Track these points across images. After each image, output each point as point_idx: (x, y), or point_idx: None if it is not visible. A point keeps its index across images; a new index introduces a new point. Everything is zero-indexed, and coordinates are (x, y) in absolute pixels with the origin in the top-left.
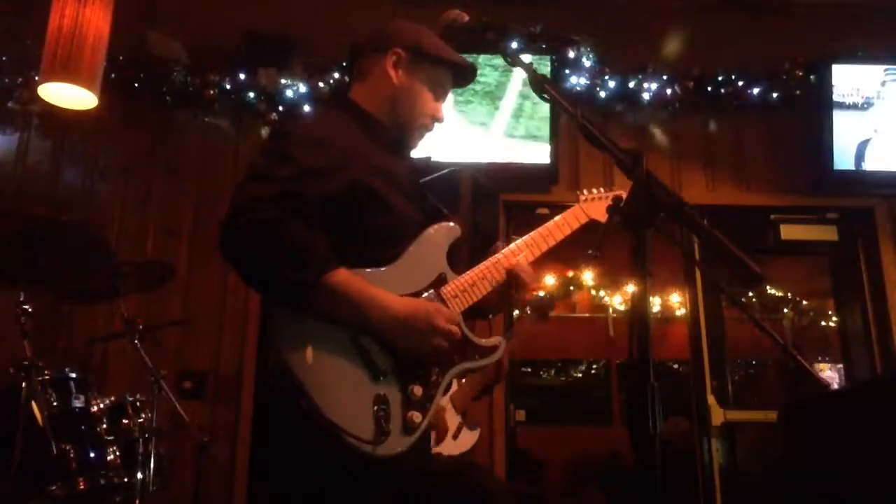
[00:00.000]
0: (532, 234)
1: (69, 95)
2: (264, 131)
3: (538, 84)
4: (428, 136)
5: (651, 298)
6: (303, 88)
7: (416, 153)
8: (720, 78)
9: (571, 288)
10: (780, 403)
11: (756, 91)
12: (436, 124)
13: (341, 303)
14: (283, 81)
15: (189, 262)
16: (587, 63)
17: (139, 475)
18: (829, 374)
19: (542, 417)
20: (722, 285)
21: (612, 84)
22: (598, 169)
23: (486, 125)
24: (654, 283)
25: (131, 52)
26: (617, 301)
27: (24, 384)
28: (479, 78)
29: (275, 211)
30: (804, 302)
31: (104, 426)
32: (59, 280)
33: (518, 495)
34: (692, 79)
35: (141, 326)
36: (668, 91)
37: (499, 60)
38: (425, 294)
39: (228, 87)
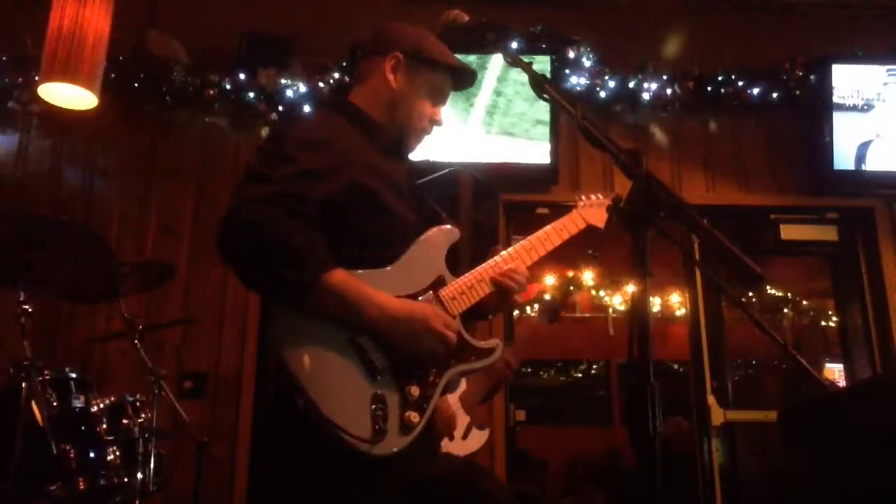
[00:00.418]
0: (530, 238)
1: (69, 95)
2: (264, 131)
3: (538, 84)
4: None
5: (651, 298)
6: (303, 88)
7: (414, 156)
8: (720, 78)
9: (571, 288)
10: (780, 403)
11: (756, 91)
12: (435, 128)
13: (339, 303)
14: (283, 81)
15: (189, 262)
16: (587, 63)
17: (139, 475)
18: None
19: (542, 417)
20: (722, 285)
21: (612, 84)
22: (598, 169)
23: (463, 122)
24: (654, 283)
25: (131, 52)
26: (617, 301)
27: (24, 384)
28: None
29: (272, 211)
30: (804, 302)
31: (104, 426)
32: (59, 280)
33: (518, 495)
34: (692, 79)
35: (141, 326)
36: (668, 91)
37: (472, 56)
38: (423, 296)
39: (228, 87)
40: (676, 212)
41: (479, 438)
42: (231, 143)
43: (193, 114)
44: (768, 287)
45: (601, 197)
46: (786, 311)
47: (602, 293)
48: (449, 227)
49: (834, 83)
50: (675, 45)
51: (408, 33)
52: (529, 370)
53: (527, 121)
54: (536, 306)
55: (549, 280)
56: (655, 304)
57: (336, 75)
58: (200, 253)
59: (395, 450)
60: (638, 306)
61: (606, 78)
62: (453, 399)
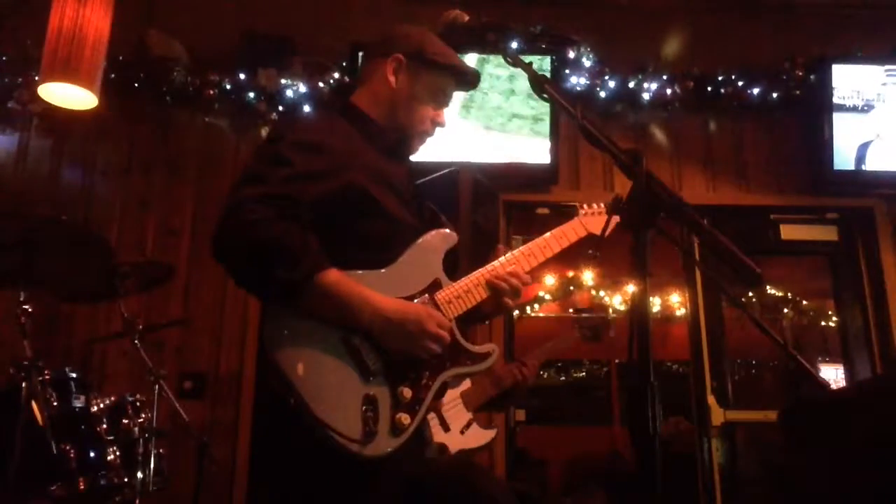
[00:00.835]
0: (530, 244)
1: (69, 95)
2: (264, 131)
3: (538, 84)
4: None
5: (651, 298)
6: (303, 88)
7: (414, 156)
8: (720, 78)
9: (571, 288)
10: (780, 403)
11: (756, 91)
12: (437, 129)
13: (332, 302)
14: (283, 81)
15: (189, 262)
16: (587, 63)
17: (139, 475)
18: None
19: (542, 417)
20: (722, 285)
21: (612, 84)
22: (598, 169)
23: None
24: (654, 283)
25: (131, 52)
26: (617, 301)
27: (24, 384)
28: None
29: (268, 212)
30: (804, 302)
31: (104, 426)
32: (59, 280)
33: (518, 495)
34: (692, 79)
35: (141, 326)
36: (668, 91)
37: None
38: (419, 298)
39: (228, 87)
40: (676, 212)
41: (478, 436)
42: (231, 143)
43: (193, 114)
44: (768, 287)
45: (602, 206)
46: (786, 311)
47: (602, 293)
48: (447, 230)
49: (834, 83)
50: (675, 44)
51: (410, 35)
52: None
53: (502, 115)
54: (537, 306)
55: (549, 280)
56: (655, 304)
57: (336, 75)
58: (200, 253)
59: (386, 451)
60: (638, 306)
61: (606, 78)
62: (454, 393)
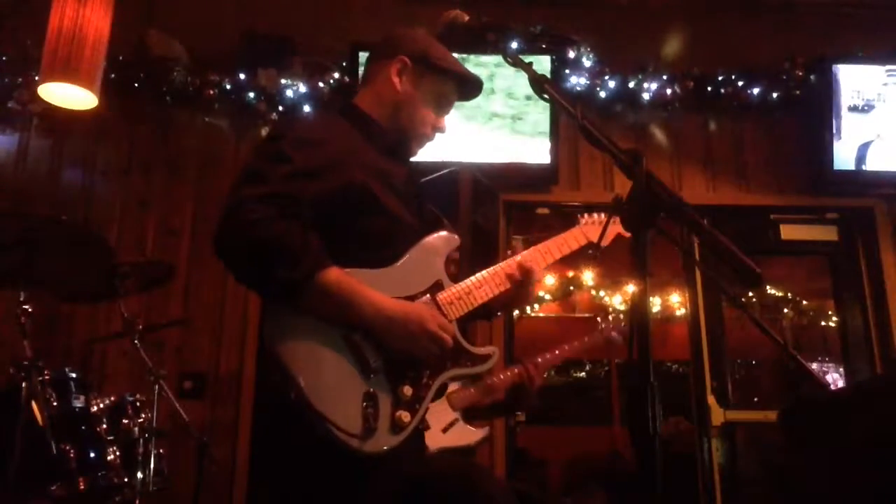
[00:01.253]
0: (531, 249)
1: (69, 95)
2: (264, 131)
3: (538, 84)
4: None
5: (651, 298)
6: (303, 88)
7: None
8: (720, 78)
9: (571, 288)
10: (780, 403)
11: (756, 91)
12: (437, 134)
13: (334, 301)
14: (283, 81)
15: (189, 262)
16: (587, 63)
17: (139, 475)
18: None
19: (542, 417)
20: (722, 285)
21: (612, 84)
22: (598, 169)
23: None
24: (654, 283)
25: (131, 52)
26: (617, 301)
27: (24, 384)
28: None
29: (268, 210)
30: (804, 302)
31: (104, 426)
32: (59, 280)
33: (518, 495)
34: (692, 79)
35: (141, 326)
36: (668, 91)
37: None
38: (421, 299)
39: (228, 87)
40: (676, 212)
41: (464, 435)
42: (231, 143)
43: (193, 114)
44: (768, 287)
45: (602, 216)
46: (786, 311)
47: (602, 293)
48: (450, 234)
49: (834, 83)
50: (675, 44)
51: (416, 39)
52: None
53: (482, 114)
54: (537, 307)
55: (550, 280)
56: (655, 304)
57: (336, 75)
58: (200, 253)
59: (385, 448)
60: (638, 306)
61: (606, 78)
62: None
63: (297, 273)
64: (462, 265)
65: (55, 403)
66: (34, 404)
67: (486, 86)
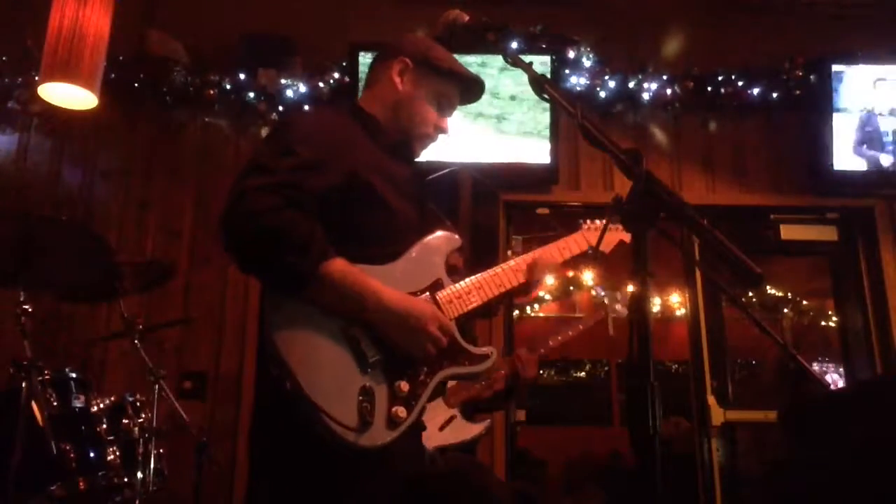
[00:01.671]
0: (533, 253)
1: (69, 95)
2: (264, 131)
3: (538, 84)
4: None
5: (651, 298)
6: (303, 88)
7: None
8: (720, 78)
9: (571, 288)
10: (780, 403)
11: (756, 91)
12: (440, 136)
13: (338, 291)
14: (283, 81)
15: (189, 262)
16: (587, 63)
17: (139, 475)
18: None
19: (542, 417)
20: (722, 285)
21: (612, 84)
22: (598, 169)
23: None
24: (654, 283)
25: (131, 52)
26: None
27: (24, 384)
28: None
29: (274, 200)
30: (804, 302)
31: (104, 426)
32: (59, 280)
33: (518, 495)
34: (692, 79)
35: (141, 326)
36: (668, 91)
37: (472, 57)
38: (421, 296)
39: (228, 87)
40: (676, 212)
41: (462, 431)
42: (231, 143)
43: (193, 114)
44: (768, 287)
45: (601, 222)
46: (786, 311)
47: (602, 293)
48: (452, 234)
49: (833, 83)
50: (675, 44)
51: (418, 41)
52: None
53: (467, 114)
54: (537, 306)
55: (549, 280)
56: (655, 304)
57: (336, 75)
58: (200, 253)
59: (380, 443)
60: (638, 306)
61: (606, 78)
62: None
63: (305, 261)
64: (463, 268)
65: (55, 403)
66: (34, 404)
67: None
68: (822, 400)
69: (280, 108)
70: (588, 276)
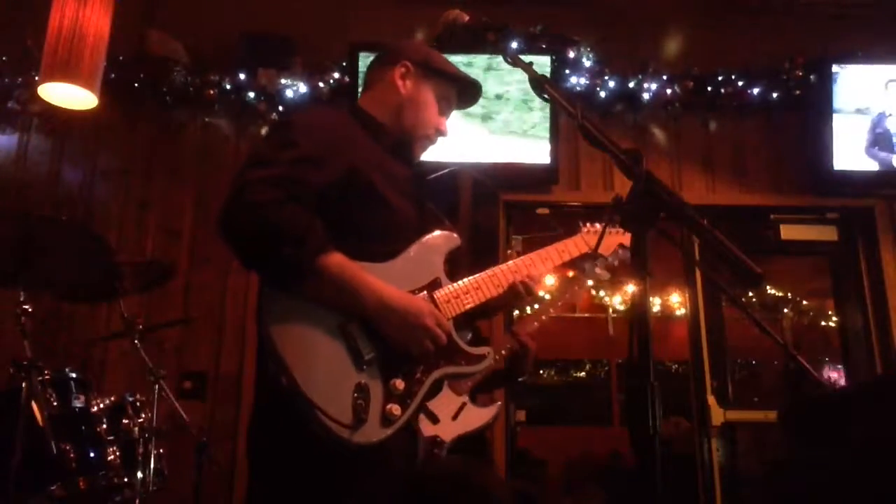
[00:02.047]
0: (532, 254)
1: (69, 95)
2: (264, 131)
3: (538, 84)
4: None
5: (651, 298)
6: (303, 88)
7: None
8: (720, 78)
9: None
10: (780, 403)
11: (756, 91)
12: (440, 138)
13: (336, 285)
14: (283, 81)
15: (189, 262)
16: (587, 63)
17: (139, 475)
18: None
19: (542, 417)
20: (722, 285)
21: (612, 84)
22: (598, 169)
23: None
24: (654, 283)
25: (131, 52)
26: (617, 301)
27: (24, 384)
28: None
29: (274, 193)
30: (804, 302)
31: (104, 426)
32: (59, 280)
33: (518, 494)
34: (692, 79)
35: (141, 326)
36: (668, 91)
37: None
38: (419, 295)
39: (228, 87)
40: (676, 212)
41: (476, 417)
42: (231, 143)
43: (193, 114)
44: (768, 287)
45: (600, 226)
46: (786, 311)
47: (602, 293)
48: (451, 233)
49: (833, 83)
50: (675, 44)
51: (416, 46)
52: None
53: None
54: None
55: (550, 280)
56: (655, 304)
57: (336, 75)
58: (200, 253)
59: (374, 440)
60: (638, 306)
61: (606, 78)
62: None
63: (303, 253)
64: (462, 265)
65: (55, 403)
66: (34, 404)
67: None
68: (822, 400)
69: (280, 108)
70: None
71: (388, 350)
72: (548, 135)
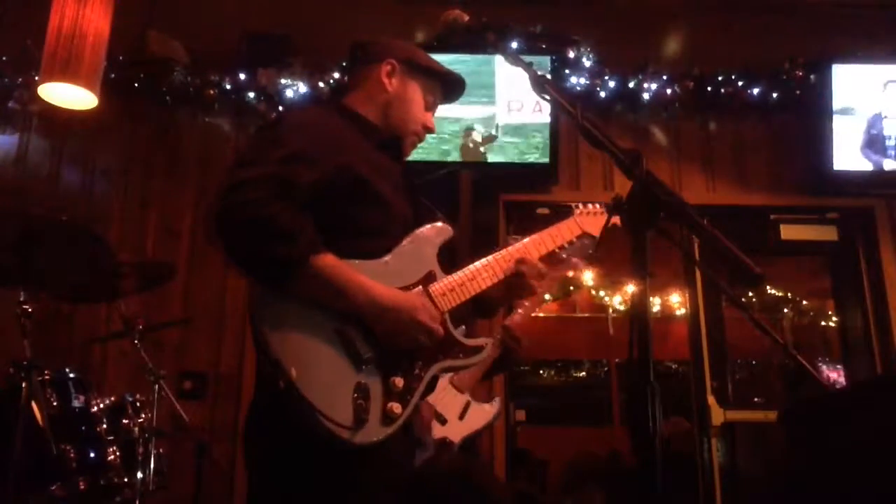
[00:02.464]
0: (524, 241)
1: (69, 95)
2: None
3: (538, 84)
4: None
5: (651, 298)
6: (303, 88)
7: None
8: (720, 78)
9: (571, 288)
10: (780, 403)
11: (756, 91)
12: (427, 134)
13: (326, 286)
14: (283, 81)
15: (189, 262)
16: (587, 63)
17: (139, 475)
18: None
19: (542, 417)
20: (722, 285)
21: (612, 84)
22: (598, 169)
23: None
24: (654, 283)
25: (131, 52)
26: (617, 301)
27: (24, 384)
28: None
29: (262, 192)
30: (804, 302)
31: (104, 426)
32: (59, 280)
33: (518, 495)
34: (692, 79)
35: (141, 326)
36: (668, 91)
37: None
38: (413, 290)
39: (228, 87)
40: (676, 212)
41: (481, 416)
42: (231, 143)
43: (193, 114)
44: (768, 287)
45: (598, 206)
46: (786, 311)
47: (602, 293)
48: (442, 224)
49: (833, 83)
50: (675, 44)
51: (400, 44)
52: (529, 370)
53: None
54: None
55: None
56: (655, 304)
57: (336, 75)
58: (200, 253)
59: (375, 440)
60: (638, 306)
61: (606, 78)
62: (443, 382)
63: (293, 252)
64: (462, 264)
65: (55, 403)
66: (34, 404)
67: None
68: (822, 400)
69: (280, 108)
70: (588, 276)
71: (386, 348)
72: (548, 135)
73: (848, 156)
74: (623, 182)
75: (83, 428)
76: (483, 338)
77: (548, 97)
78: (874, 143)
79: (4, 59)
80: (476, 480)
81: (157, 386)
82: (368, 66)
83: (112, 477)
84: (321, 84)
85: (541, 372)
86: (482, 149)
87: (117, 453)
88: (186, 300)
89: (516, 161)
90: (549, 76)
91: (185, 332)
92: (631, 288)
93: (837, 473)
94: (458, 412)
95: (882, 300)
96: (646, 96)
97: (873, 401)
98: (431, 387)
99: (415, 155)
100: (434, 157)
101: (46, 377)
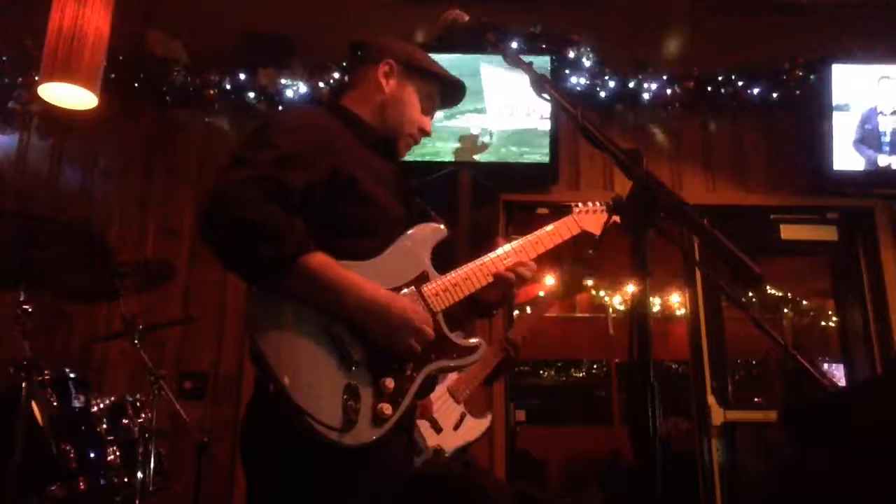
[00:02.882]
0: (522, 240)
1: (69, 95)
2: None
3: (539, 84)
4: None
5: (651, 298)
6: (303, 88)
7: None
8: (720, 78)
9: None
10: (780, 403)
11: (756, 91)
12: (423, 137)
13: (318, 285)
14: (283, 81)
15: (189, 262)
16: (587, 63)
17: (139, 475)
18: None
19: (542, 417)
20: (722, 285)
21: (612, 84)
22: (598, 169)
23: None
24: (654, 283)
25: (131, 52)
26: (617, 301)
27: (24, 384)
28: None
29: (253, 193)
30: (804, 302)
31: (104, 426)
32: (59, 280)
33: (518, 495)
34: (692, 79)
35: (141, 326)
36: (668, 91)
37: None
38: (405, 290)
39: (228, 87)
40: (676, 212)
41: (474, 428)
42: (231, 143)
43: (193, 114)
44: (768, 287)
45: (598, 204)
46: (786, 311)
47: (602, 293)
48: (436, 224)
49: (833, 83)
50: (675, 45)
51: (399, 44)
52: (529, 370)
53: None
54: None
55: (549, 280)
56: (655, 304)
57: (336, 75)
58: (200, 253)
59: (365, 441)
60: (638, 306)
61: (606, 78)
62: (440, 390)
63: (283, 252)
64: (460, 264)
65: (55, 403)
66: (34, 404)
67: None
68: (822, 400)
69: (280, 107)
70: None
71: (377, 349)
72: (548, 135)
73: (848, 156)
74: (623, 182)
75: (83, 428)
76: (477, 339)
77: (548, 97)
78: (868, 138)
79: (4, 59)
80: (476, 480)
81: (157, 386)
82: (366, 66)
83: (112, 477)
84: (321, 84)
85: (541, 372)
86: (476, 156)
87: (117, 453)
88: (186, 300)
89: (516, 161)
90: (549, 76)
91: (185, 332)
92: (631, 288)
93: (837, 473)
94: (454, 423)
95: (882, 300)
96: (646, 96)
97: (873, 401)
98: (428, 388)
99: (413, 155)
100: (430, 158)
101: (46, 377)
